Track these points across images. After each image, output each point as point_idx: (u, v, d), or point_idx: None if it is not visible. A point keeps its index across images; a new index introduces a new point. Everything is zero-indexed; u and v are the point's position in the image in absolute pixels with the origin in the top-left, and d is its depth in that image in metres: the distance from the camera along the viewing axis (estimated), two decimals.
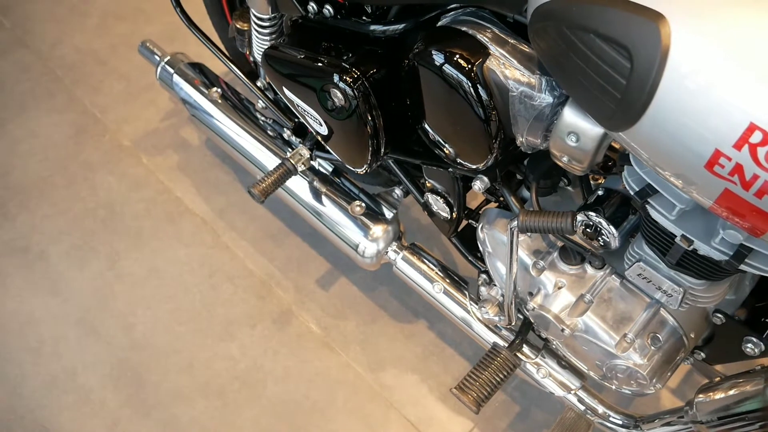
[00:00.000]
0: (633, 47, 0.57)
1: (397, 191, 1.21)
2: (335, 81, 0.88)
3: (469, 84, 0.76)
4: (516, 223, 0.82)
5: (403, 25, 0.86)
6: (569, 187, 0.95)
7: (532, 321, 0.97)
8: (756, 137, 0.53)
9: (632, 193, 0.72)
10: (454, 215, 1.06)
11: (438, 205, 1.07)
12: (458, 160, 0.87)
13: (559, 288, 0.89)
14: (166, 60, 1.40)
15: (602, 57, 0.59)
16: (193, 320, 1.37)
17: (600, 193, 0.82)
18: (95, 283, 1.42)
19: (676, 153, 0.58)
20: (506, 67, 0.75)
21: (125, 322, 1.37)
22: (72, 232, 1.49)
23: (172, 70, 1.39)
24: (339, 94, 0.89)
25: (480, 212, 1.06)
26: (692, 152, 0.57)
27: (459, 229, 1.10)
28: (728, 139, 0.54)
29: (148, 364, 1.32)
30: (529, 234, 0.93)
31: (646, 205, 0.72)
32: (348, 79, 0.87)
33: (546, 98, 0.73)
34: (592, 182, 0.91)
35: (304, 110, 1.00)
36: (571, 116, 0.70)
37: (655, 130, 0.58)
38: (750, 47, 0.52)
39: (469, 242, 1.09)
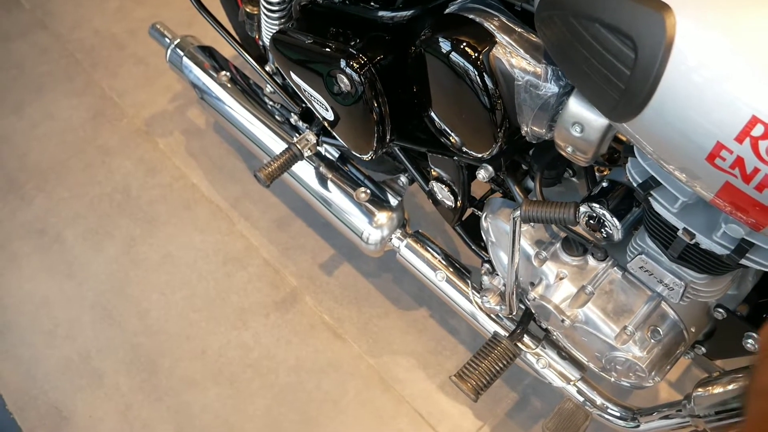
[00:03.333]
0: (638, 37, 0.56)
1: (403, 179, 1.21)
2: (342, 66, 0.88)
3: (475, 72, 0.75)
4: (519, 212, 0.82)
5: (410, 12, 0.86)
6: (574, 178, 0.94)
7: (533, 311, 0.97)
8: (758, 130, 0.52)
9: (635, 185, 0.72)
10: (459, 204, 1.05)
11: (443, 193, 1.07)
12: (463, 149, 0.87)
13: (561, 279, 0.89)
14: (176, 42, 1.40)
15: (607, 47, 0.59)
16: (206, 307, 1.37)
17: (604, 184, 0.81)
18: (110, 267, 1.43)
19: (678, 145, 0.58)
20: (512, 56, 0.74)
21: (139, 307, 1.38)
22: (88, 215, 1.50)
23: (182, 53, 1.39)
24: (345, 80, 0.89)
25: (484, 201, 1.06)
26: (694, 144, 0.56)
27: (463, 218, 1.10)
28: (730, 131, 0.53)
29: (161, 350, 1.33)
30: (532, 224, 0.93)
31: (649, 198, 0.71)
32: (354, 64, 0.87)
33: (551, 88, 0.73)
34: (597, 174, 0.90)
35: (311, 95, 1.01)
36: (576, 106, 0.70)
37: (658, 121, 0.58)
38: (754, 40, 0.52)
39: (473, 231, 1.09)
